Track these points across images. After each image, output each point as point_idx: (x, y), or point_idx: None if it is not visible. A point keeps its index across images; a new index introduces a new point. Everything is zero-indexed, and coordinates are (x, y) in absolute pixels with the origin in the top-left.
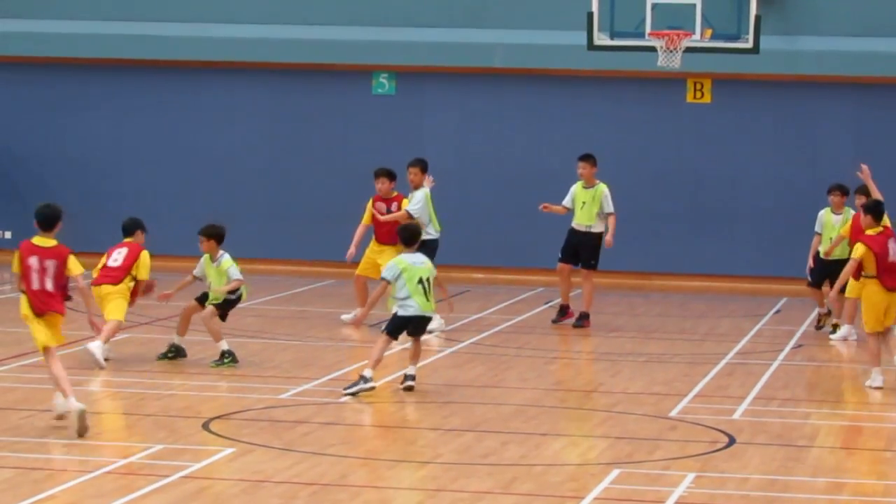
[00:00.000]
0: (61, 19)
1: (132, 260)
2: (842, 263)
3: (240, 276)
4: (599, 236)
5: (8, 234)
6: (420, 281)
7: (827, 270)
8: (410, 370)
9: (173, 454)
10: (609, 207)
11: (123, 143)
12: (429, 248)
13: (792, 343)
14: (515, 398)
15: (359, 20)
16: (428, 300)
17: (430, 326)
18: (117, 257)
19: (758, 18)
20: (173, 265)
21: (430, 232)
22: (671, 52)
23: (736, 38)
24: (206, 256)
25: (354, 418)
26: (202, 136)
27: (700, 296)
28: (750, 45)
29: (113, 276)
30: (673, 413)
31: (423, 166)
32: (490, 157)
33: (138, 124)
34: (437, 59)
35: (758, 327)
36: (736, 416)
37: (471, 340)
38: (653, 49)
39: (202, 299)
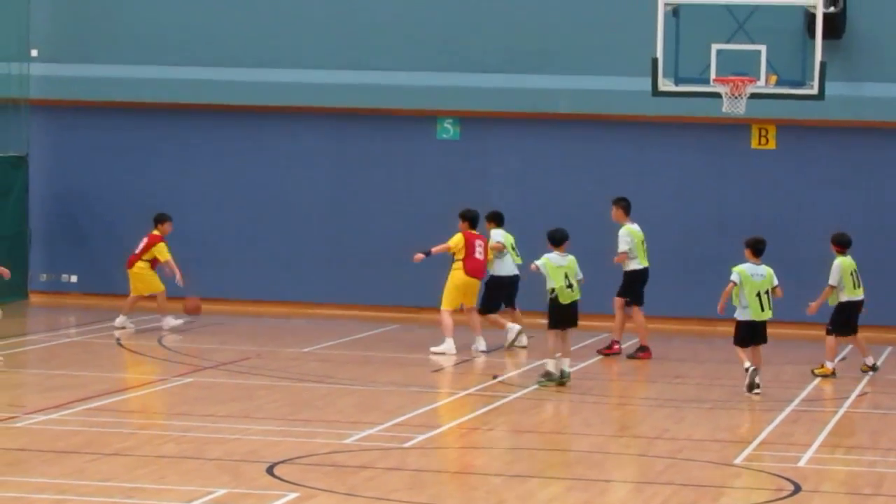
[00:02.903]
0: (126, 64)
1: (147, 245)
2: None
3: None
4: (630, 273)
5: (74, 279)
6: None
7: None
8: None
9: (237, 499)
10: (620, 247)
11: (188, 187)
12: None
13: (857, 390)
14: (580, 444)
15: (423, 65)
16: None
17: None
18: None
19: (823, 65)
20: (237, 309)
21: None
22: (736, 98)
23: (801, 84)
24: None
25: (418, 463)
26: (266, 181)
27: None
28: (815, 91)
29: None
30: (737, 460)
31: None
32: (554, 203)
33: (203, 168)
34: (502, 105)
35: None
36: (801, 463)
37: (535, 386)
38: (717, 95)
39: None
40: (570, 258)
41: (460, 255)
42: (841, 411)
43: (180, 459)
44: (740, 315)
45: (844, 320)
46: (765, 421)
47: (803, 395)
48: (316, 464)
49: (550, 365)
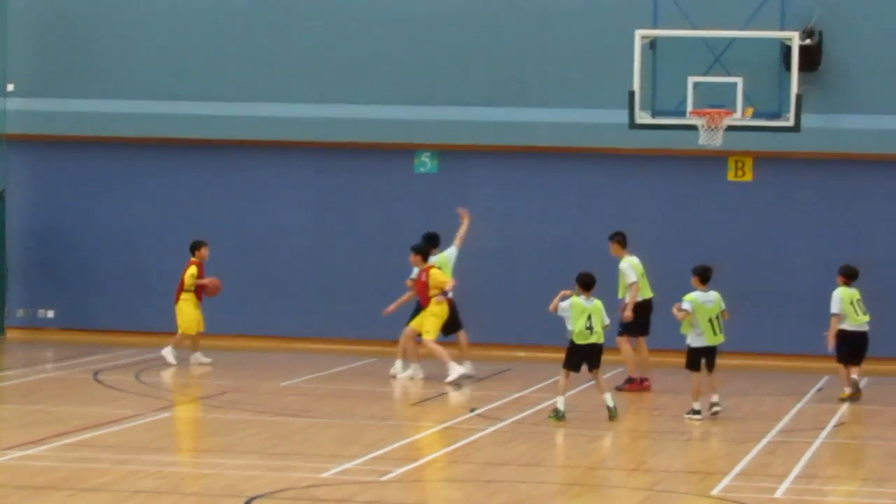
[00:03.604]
0: (104, 99)
1: (183, 274)
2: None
3: None
4: (636, 305)
5: (51, 314)
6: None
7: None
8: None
9: None
10: (629, 279)
11: (166, 222)
12: None
13: (834, 421)
14: (558, 477)
15: (401, 99)
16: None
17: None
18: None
19: (799, 97)
20: (216, 343)
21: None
22: (713, 130)
23: (777, 116)
24: None
25: (397, 497)
26: (245, 214)
27: (743, 373)
28: (791, 123)
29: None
30: (715, 491)
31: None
32: (532, 235)
33: (181, 203)
34: (480, 138)
35: (800, 405)
36: (778, 494)
37: (513, 418)
38: (694, 127)
39: None
40: (597, 302)
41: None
42: (818, 442)
43: (158, 494)
44: (694, 342)
45: (848, 348)
46: (742, 452)
47: (780, 425)
48: (294, 498)
49: (560, 402)
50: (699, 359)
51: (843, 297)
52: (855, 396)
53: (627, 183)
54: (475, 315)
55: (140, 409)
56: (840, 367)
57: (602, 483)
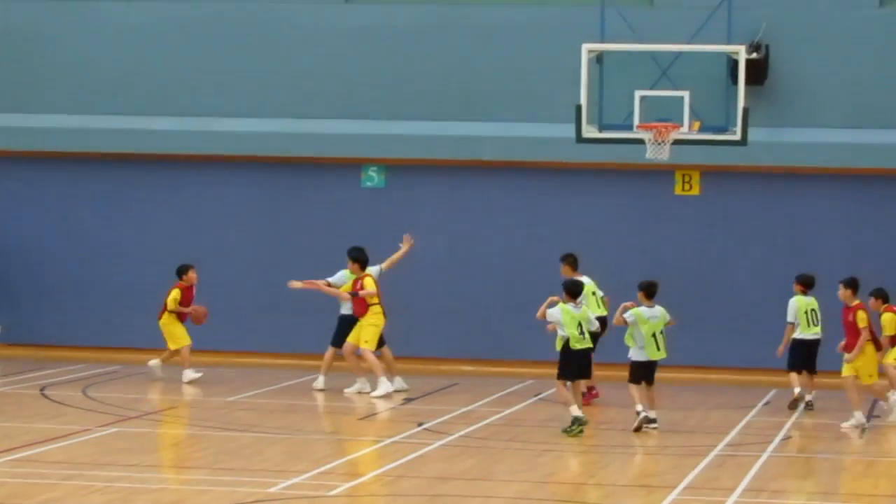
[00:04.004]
0: (49, 113)
1: (166, 297)
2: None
3: None
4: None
5: None
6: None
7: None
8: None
9: None
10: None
11: (114, 237)
12: None
13: (781, 435)
14: (506, 491)
15: (348, 114)
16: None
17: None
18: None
19: (745, 111)
20: (164, 358)
21: None
22: (660, 144)
23: (724, 130)
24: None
25: None
26: (190, 229)
27: (690, 387)
28: (738, 137)
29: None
30: None
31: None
32: (479, 250)
33: (127, 217)
34: (427, 152)
35: (747, 419)
36: None
37: (461, 433)
38: (641, 141)
39: None
40: (585, 309)
41: (377, 299)
42: (765, 455)
43: None
44: (636, 356)
45: (801, 357)
46: (689, 466)
47: (728, 439)
48: None
49: (574, 410)
50: (641, 373)
51: (798, 307)
52: (797, 401)
53: (574, 197)
54: (421, 329)
55: (88, 424)
56: (792, 374)
57: (550, 497)
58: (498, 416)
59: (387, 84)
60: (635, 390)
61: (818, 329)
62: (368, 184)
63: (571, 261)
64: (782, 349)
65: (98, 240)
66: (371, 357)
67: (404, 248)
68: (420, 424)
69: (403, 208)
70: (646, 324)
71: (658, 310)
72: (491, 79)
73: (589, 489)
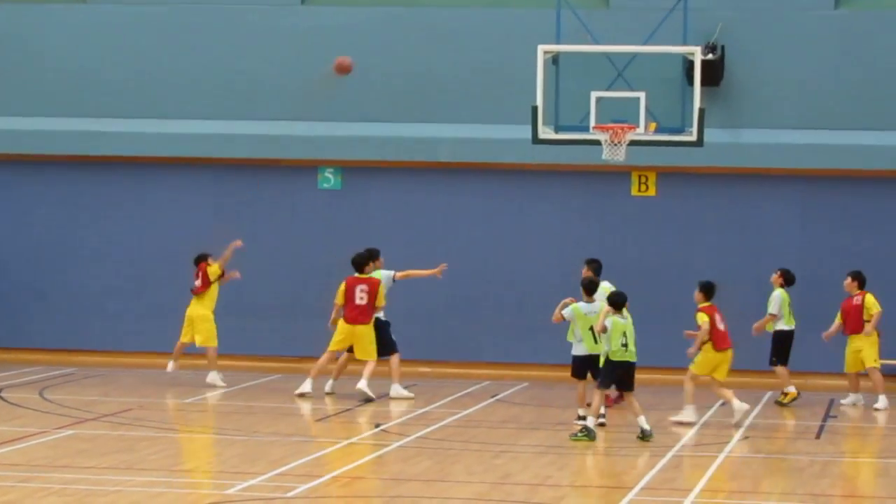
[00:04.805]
0: (10, 116)
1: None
2: None
3: None
4: None
5: None
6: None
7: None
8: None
9: None
10: None
11: (69, 240)
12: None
13: (739, 435)
14: (463, 492)
15: (304, 115)
16: (596, 343)
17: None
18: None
19: (701, 112)
20: (121, 361)
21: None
22: (616, 145)
23: (680, 131)
24: None
25: None
26: (148, 231)
27: (647, 388)
28: (694, 138)
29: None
30: None
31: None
32: (436, 252)
33: (84, 220)
34: (383, 154)
35: (705, 419)
36: None
37: (418, 434)
38: (597, 143)
39: None
40: (630, 319)
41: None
42: (722, 456)
43: None
44: (577, 350)
45: (786, 349)
46: (647, 466)
47: (685, 440)
48: None
49: (590, 422)
50: (583, 367)
51: (783, 299)
52: (795, 398)
53: (531, 198)
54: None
55: (44, 426)
56: (780, 369)
57: (506, 498)
58: (455, 417)
59: (343, 85)
60: (580, 386)
61: (793, 322)
62: (325, 185)
63: (595, 266)
64: (758, 329)
65: (53, 242)
66: (324, 357)
67: (433, 271)
68: (377, 426)
69: (360, 210)
70: (583, 319)
71: (598, 305)
72: (447, 80)
73: (546, 489)
